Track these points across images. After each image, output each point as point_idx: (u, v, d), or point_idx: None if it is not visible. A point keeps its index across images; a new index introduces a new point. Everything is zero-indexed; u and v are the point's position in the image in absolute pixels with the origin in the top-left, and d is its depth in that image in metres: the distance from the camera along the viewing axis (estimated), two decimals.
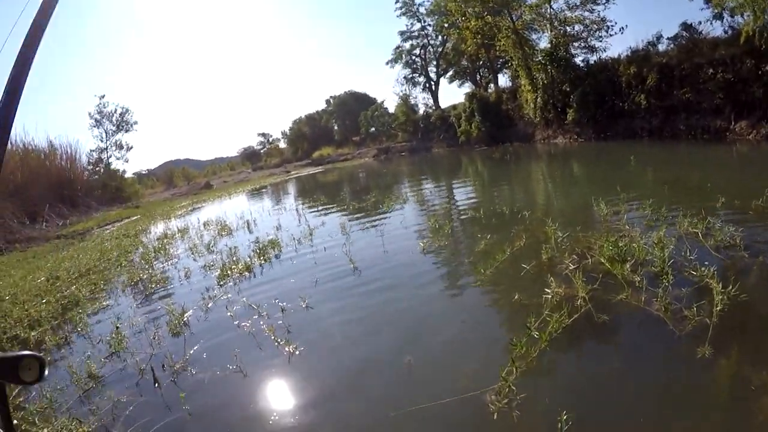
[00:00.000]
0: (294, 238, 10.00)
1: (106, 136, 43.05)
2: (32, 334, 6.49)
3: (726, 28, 18.27)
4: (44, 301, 8.23)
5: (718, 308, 3.61)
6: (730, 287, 3.76)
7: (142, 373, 4.72)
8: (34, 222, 23.22)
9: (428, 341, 4.52)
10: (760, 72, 14.68)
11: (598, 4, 23.43)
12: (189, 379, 4.47)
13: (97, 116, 42.82)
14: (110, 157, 43.00)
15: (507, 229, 7.55)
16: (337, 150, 54.55)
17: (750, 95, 14.68)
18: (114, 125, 43.40)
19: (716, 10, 18.88)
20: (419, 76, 48.42)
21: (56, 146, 32.68)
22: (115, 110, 43.37)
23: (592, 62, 22.98)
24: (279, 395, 4.00)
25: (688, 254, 4.74)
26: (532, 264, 5.59)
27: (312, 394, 3.90)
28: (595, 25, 23.50)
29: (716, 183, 7.44)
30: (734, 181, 8.34)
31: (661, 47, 20.05)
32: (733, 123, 14.53)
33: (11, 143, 27.09)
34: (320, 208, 15.78)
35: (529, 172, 17.34)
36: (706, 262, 4.45)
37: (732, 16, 18.14)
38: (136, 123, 44.89)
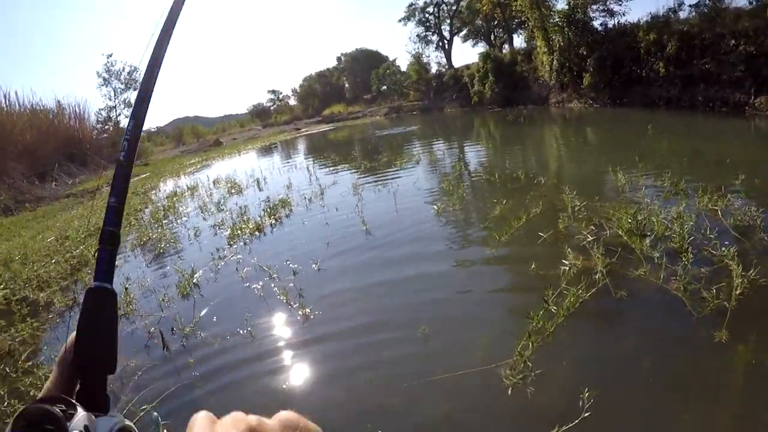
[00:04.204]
0: (305, 198, 9.87)
1: (115, 94, 42.30)
2: (41, 295, 6.41)
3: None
4: (53, 261, 8.15)
5: (737, 292, 3.49)
6: (751, 271, 3.64)
7: (151, 336, 4.64)
8: (44, 181, 23.14)
9: (444, 310, 4.40)
10: None
11: None
12: (199, 344, 4.37)
13: (105, 75, 41.96)
14: (119, 115, 42.45)
15: (522, 195, 7.35)
16: (347, 108, 53.93)
17: None
18: (122, 83, 42.64)
19: None
20: (432, 35, 47.32)
21: (64, 105, 32.32)
22: (123, 68, 42.61)
23: (611, 26, 22.18)
24: (291, 362, 3.88)
25: (707, 232, 4.57)
26: (548, 233, 5.42)
27: (325, 363, 3.80)
28: None
29: (735, 159, 7.24)
30: (754, 159, 8.03)
31: (683, 14, 19.12)
32: (752, 97, 13.91)
33: (19, 105, 27.03)
34: (331, 166, 15.60)
35: (544, 136, 17.01)
36: (726, 242, 4.31)
37: None
38: None
